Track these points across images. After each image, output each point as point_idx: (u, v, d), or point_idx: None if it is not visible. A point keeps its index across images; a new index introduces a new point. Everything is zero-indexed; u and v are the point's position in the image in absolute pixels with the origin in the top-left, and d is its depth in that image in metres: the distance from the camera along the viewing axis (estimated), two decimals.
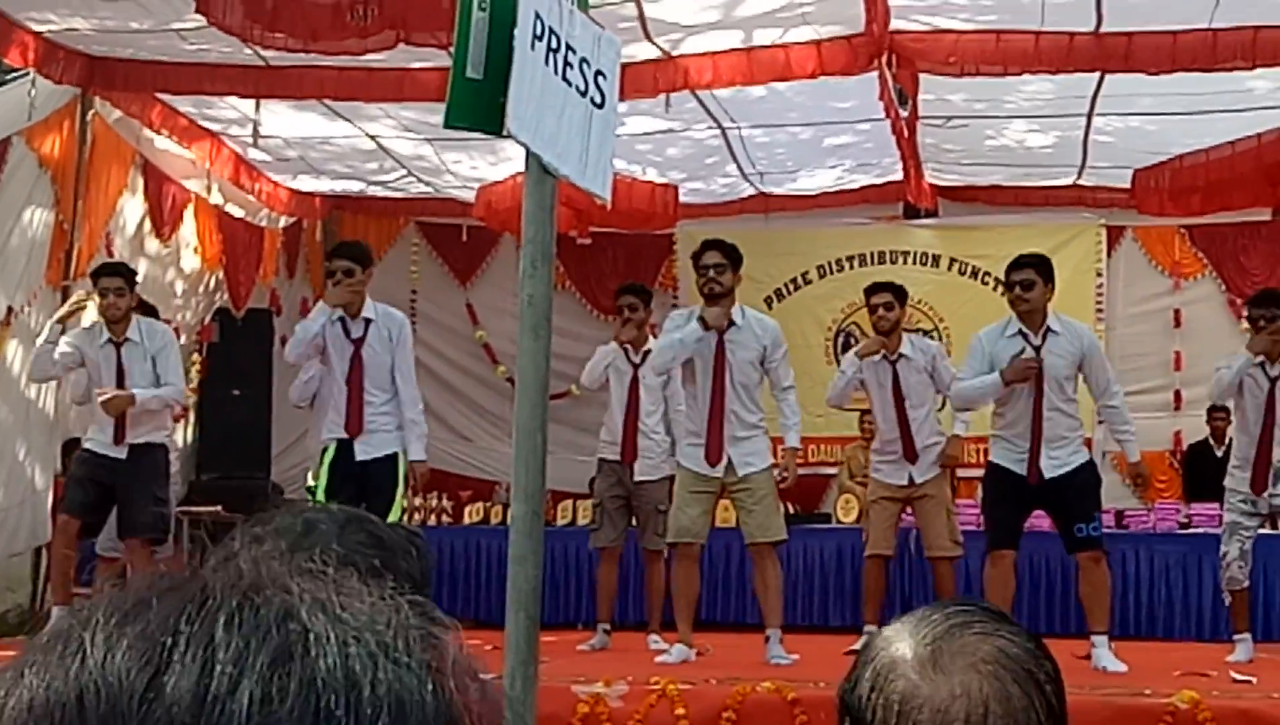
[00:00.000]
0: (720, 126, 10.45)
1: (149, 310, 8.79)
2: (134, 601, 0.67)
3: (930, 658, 1.48)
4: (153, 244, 10.75)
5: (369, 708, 0.64)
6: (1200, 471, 11.68)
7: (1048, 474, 7.42)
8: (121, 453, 8.10)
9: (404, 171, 11.78)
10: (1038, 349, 7.50)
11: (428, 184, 12.10)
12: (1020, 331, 7.56)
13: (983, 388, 7.59)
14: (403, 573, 1.71)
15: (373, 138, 10.88)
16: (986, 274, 12.49)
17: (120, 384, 8.08)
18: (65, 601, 8.09)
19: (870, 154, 11.03)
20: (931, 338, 12.34)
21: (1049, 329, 7.54)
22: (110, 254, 9.63)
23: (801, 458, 11.79)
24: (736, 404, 7.74)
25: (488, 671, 0.73)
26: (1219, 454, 11.44)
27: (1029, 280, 7.48)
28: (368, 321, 7.83)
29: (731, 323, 7.77)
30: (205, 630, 0.65)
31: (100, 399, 7.97)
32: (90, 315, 8.52)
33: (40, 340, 8.30)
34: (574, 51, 2.73)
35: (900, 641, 1.52)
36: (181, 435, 11.14)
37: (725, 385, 7.72)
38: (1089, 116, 10.08)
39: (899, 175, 11.32)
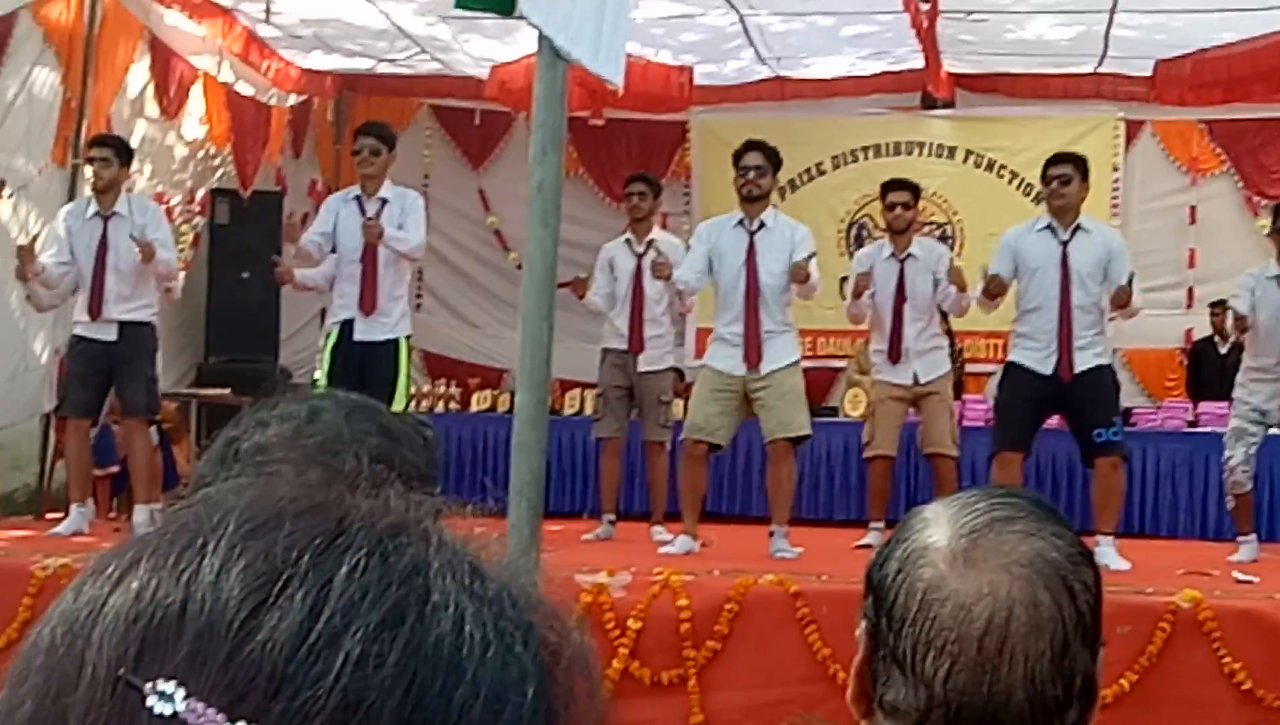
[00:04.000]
0: (738, 12, 10.29)
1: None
2: (269, 513, 0.65)
3: (964, 550, 1.43)
4: (157, 117, 10.68)
5: (465, 694, 0.61)
6: (1204, 367, 11.67)
7: (1076, 369, 7.40)
8: (110, 334, 8.02)
9: (417, 49, 11.63)
10: (1065, 244, 7.48)
11: (441, 63, 11.95)
12: (1050, 226, 7.57)
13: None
14: (408, 463, 1.69)
15: (387, 15, 10.72)
16: (1002, 167, 12.40)
17: (101, 260, 8.00)
18: (81, 498, 8.13)
19: (889, 43, 10.85)
20: (945, 230, 12.28)
21: (1079, 226, 7.54)
22: (110, 129, 9.55)
23: (810, 351, 11.83)
24: (762, 306, 7.76)
25: (601, 672, 0.70)
26: (1222, 350, 11.42)
27: (1067, 175, 7.50)
28: (383, 201, 7.98)
29: (763, 225, 7.82)
30: (327, 569, 0.62)
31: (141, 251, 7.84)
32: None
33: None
34: None
35: (937, 527, 1.47)
36: (180, 316, 11.13)
37: (758, 287, 7.74)
38: (1112, 12, 9.93)
39: (918, 63, 11.15)
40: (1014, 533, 1.44)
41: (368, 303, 7.92)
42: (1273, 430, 8.31)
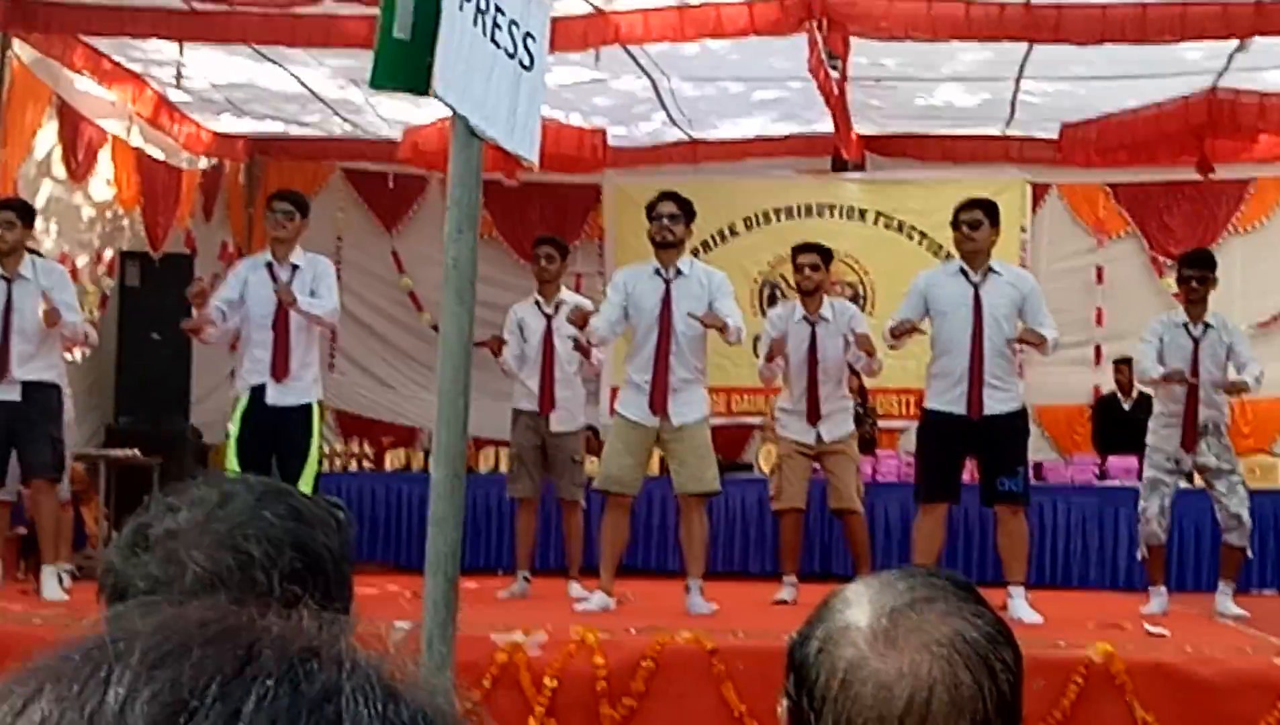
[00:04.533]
0: (650, 78, 10.40)
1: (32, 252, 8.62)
2: (176, 640, 0.63)
3: (884, 631, 1.44)
4: (64, 179, 10.59)
5: None
6: (1109, 423, 11.85)
7: (987, 410, 7.48)
8: (15, 394, 7.92)
9: (329, 112, 11.64)
10: (978, 287, 7.56)
11: (353, 125, 11.96)
12: (962, 270, 7.65)
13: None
14: (321, 546, 1.69)
15: (299, 79, 10.73)
16: (913, 228, 12.56)
17: (6, 321, 7.92)
18: None
19: (799, 107, 11.01)
20: (858, 290, 12.41)
21: (990, 269, 7.64)
22: (16, 191, 9.46)
23: (724, 408, 11.89)
24: (676, 355, 7.78)
25: None
26: (1126, 407, 11.62)
27: (976, 220, 7.58)
28: (294, 267, 7.94)
29: (679, 272, 7.85)
30: (235, 699, 0.60)
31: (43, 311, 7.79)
32: None
33: None
34: (503, 13, 2.68)
35: (858, 607, 1.48)
36: (90, 377, 11.02)
37: (670, 335, 7.76)
38: (1018, 80, 10.14)
39: (828, 127, 11.30)
40: (935, 612, 1.46)
41: (280, 369, 7.86)
42: (1183, 484, 8.45)
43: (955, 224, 7.70)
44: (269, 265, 8.02)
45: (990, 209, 7.69)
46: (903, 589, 1.49)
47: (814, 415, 8.52)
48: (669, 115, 11.44)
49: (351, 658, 0.64)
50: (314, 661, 0.63)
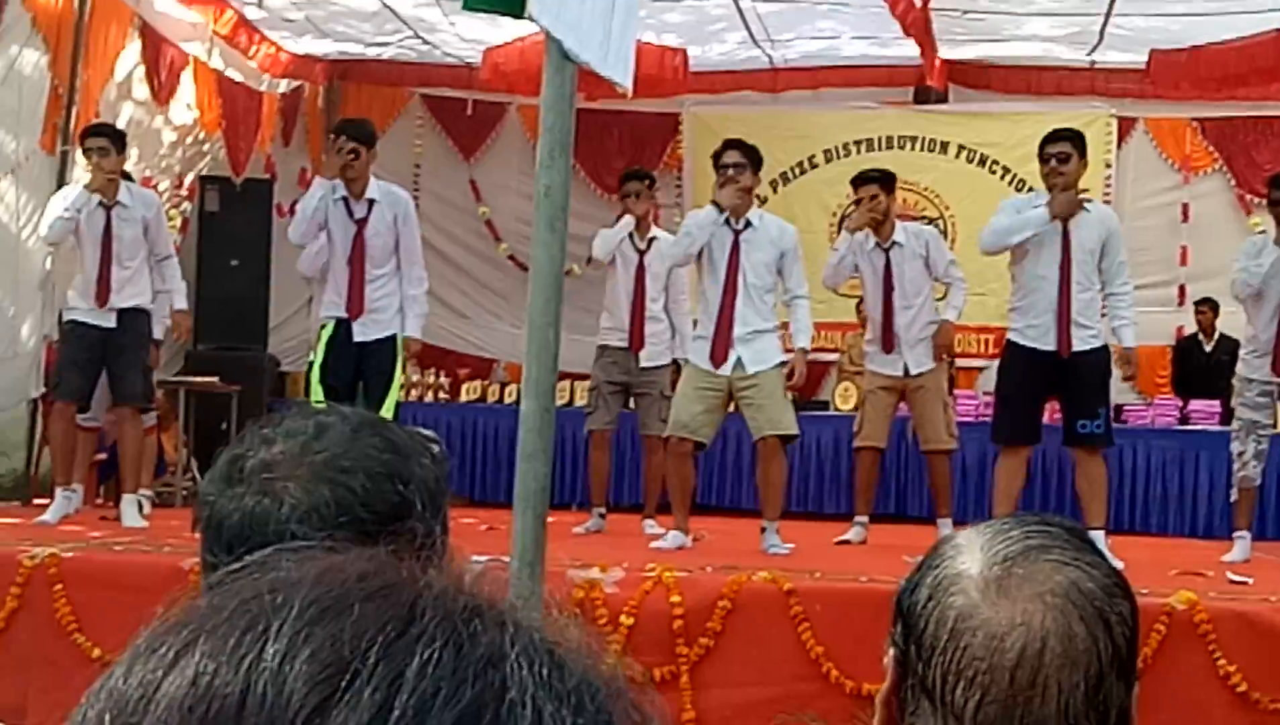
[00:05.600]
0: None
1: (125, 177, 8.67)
2: (336, 595, 0.60)
3: (996, 579, 1.39)
4: (145, 101, 10.63)
5: None
6: (1190, 365, 11.68)
7: (1075, 347, 7.34)
8: (110, 321, 7.99)
9: (407, 31, 11.52)
10: (1066, 221, 7.40)
11: (430, 44, 11.82)
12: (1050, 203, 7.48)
13: (1025, 221, 7.40)
14: (417, 478, 1.65)
15: None
16: (995, 162, 12.38)
17: (106, 247, 7.98)
18: (66, 482, 8.11)
19: (884, 24, 10.72)
20: (937, 225, 12.25)
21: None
22: (98, 115, 9.51)
23: None
24: (748, 305, 7.68)
25: None
26: (1208, 349, 11.42)
27: (1065, 152, 7.38)
28: (371, 202, 7.78)
29: (748, 224, 7.74)
30: (398, 662, 0.58)
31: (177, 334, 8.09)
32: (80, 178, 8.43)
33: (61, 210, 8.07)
34: None
35: (969, 554, 1.43)
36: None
37: (738, 285, 7.68)
38: (1107, 15, 9.93)
39: (910, 51, 11.04)
40: (1049, 560, 1.41)
41: (354, 308, 7.80)
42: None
43: (1043, 157, 7.49)
44: (344, 200, 7.76)
45: (1078, 140, 7.49)
46: (1016, 536, 1.44)
47: (889, 344, 8.37)
48: (748, 30, 11.18)
49: (514, 619, 0.62)
50: (477, 622, 0.61)
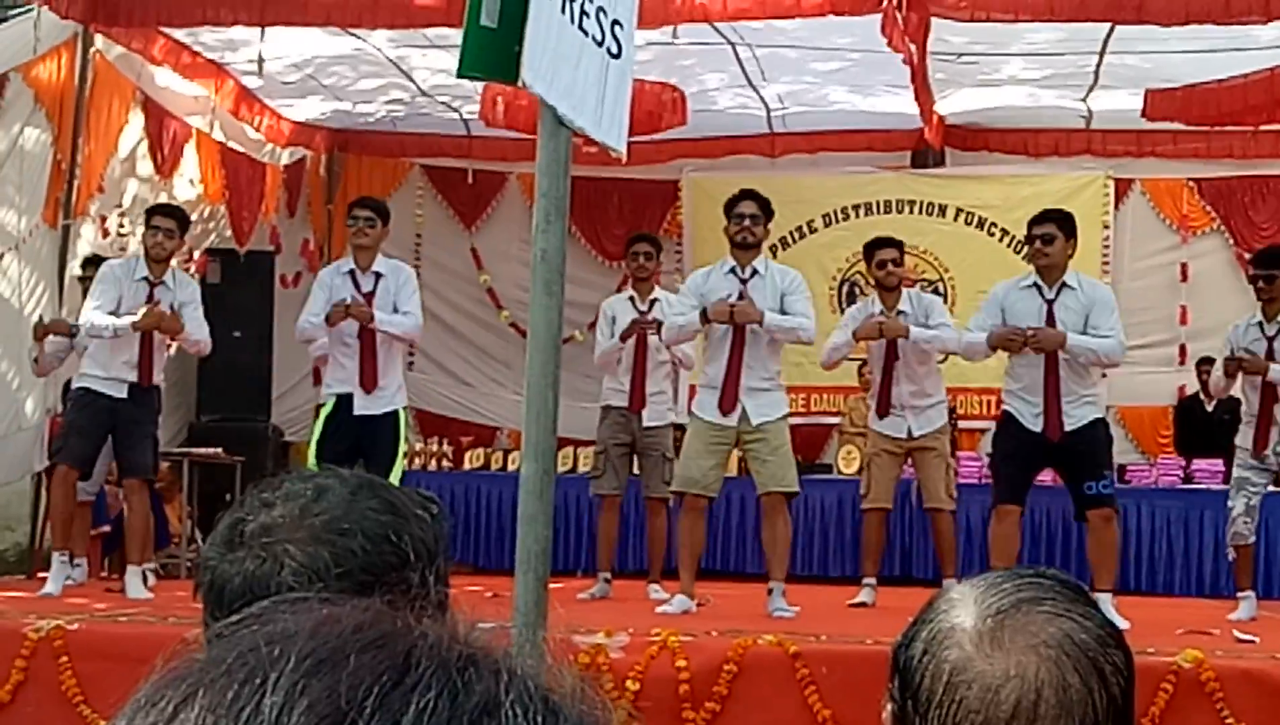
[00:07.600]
0: (730, 43, 10.22)
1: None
2: (332, 646, 0.61)
3: (990, 631, 1.40)
4: (149, 176, 10.69)
5: None
6: (1192, 424, 11.67)
7: (1066, 427, 7.37)
8: (123, 392, 8.02)
9: (404, 79, 11.40)
10: (1050, 302, 7.44)
11: (427, 96, 11.71)
12: (1035, 284, 7.53)
13: (979, 347, 7.61)
14: (416, 539, 1.66)
15: (378, 49, 10.59)
16: (993, 225, 12.43)
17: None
18: (64, 548, 8.11)
19: (877, 73, 10.74)
20: (937, 287, 12.29)
21: (1064, 284, 7.49)
22: (102, 190, 9.60)
23: (803, 407, 11.80)
24: (755, 355, 7.69)
25: None
26: (1209, 408, 11.42)
27: (1050, 234, 7.45)
28: (378, 276, 7.92)
29: (755, 272, 7.79)
30: (394, 711, 0.58)
31: (142, 314, 7.94)
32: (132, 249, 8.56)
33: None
34: (591, 0, 2.65)
35: (963, 607, 1.44)
36: (173, 375, 11.13)
37: (745, 335, 7.69)
38: (1101, 54, 9.98)
39: (905, 105, 11.03)
40: (1042, 613, 1.42)
41: (368, 381, 7.87)
42: (1271, 487, 8.29)
43: (1029, 238, 7.60)
44: (351, 272, 8.01)
45: (1065, 221, 7.54)
46: (1009, 589, 1.45)
47: (883, 409, 8.40)
48: (747, 78, 11.15)
49: (509, 666, 0.63)
50: (472, 670, 0.61)
